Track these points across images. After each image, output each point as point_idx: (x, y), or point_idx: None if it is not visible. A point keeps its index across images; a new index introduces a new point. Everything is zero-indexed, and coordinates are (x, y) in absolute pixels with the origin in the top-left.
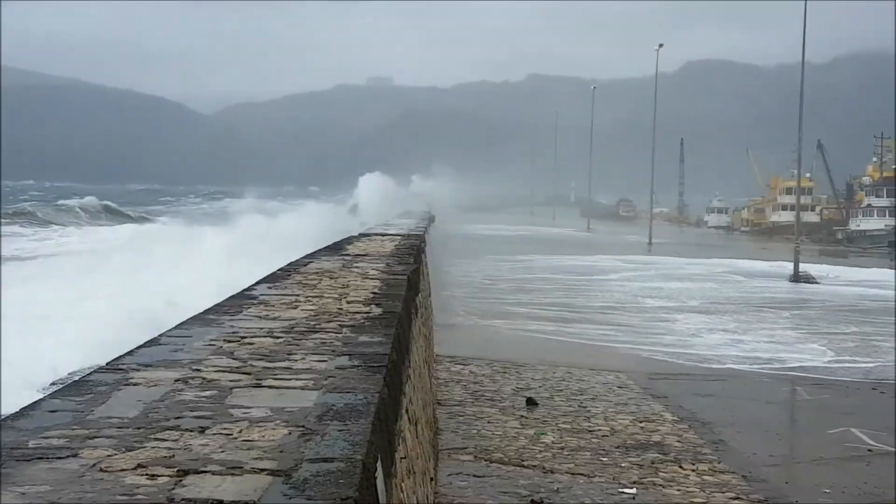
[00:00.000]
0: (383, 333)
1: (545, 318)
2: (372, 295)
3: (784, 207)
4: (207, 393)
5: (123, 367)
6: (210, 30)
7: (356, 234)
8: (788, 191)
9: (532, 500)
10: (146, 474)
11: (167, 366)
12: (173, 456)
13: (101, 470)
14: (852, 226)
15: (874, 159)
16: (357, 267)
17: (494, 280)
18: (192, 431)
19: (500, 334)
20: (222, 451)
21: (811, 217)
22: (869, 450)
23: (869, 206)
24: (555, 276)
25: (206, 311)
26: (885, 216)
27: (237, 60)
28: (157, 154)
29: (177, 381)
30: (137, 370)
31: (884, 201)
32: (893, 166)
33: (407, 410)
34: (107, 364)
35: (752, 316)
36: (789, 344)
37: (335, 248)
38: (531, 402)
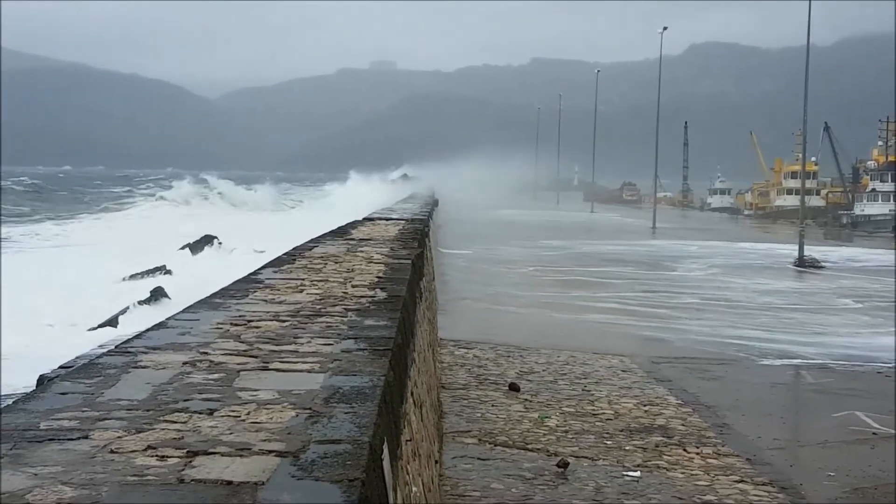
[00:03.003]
0: (388, 317)
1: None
2: (377, 279)
3: (788, 191)
4: (215, 376)
5: (132, 349)
6: (214, 14)
7: (360, 218)
8: (793, 174)
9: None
10: (156, 455)
11: (175, 349)
12: (182, 438)
13: (111, 451)
14: (857, 210)
15: (879, 143)
16: (362, 251)
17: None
18: (200, 413)
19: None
20: (231, 433)
21: (816, 201)
22: (874, 433)
23: (874, 190)
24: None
25: (213, 295)
26: (889, 201)
27: (241, 45)
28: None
29: (185, 363)
30: (146, 353)
31: (888, 186)
32: None
33: (412, 394)
34: (115, 347)
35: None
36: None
37: (340, 233)
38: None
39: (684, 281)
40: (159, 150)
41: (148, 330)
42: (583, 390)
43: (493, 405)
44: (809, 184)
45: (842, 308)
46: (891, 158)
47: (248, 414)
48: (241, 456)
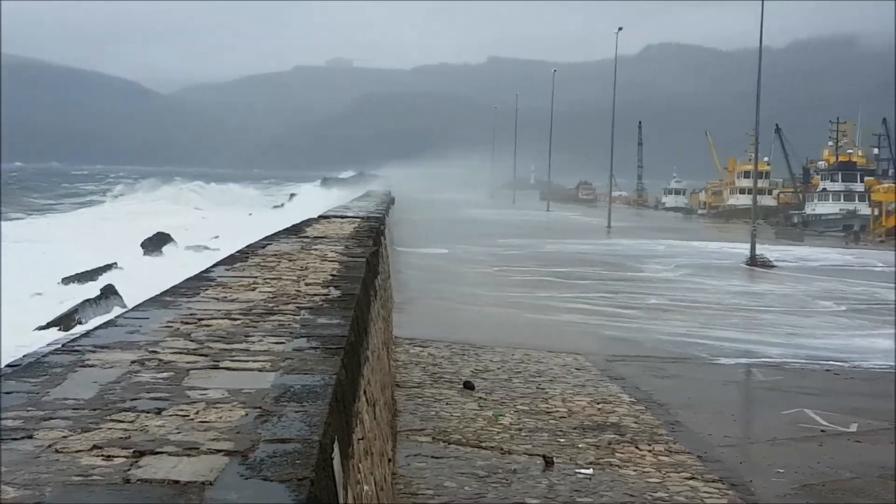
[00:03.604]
0: (342, 315)
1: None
2: (331, 277)
3: (741, 191)
4: (164, 374)
5: (79, 348)
6: (168, 9)
7: (315, 216)
8: (746, 174)
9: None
10: (102, 455)
11: (123, 347)
12: (129, 437)
13: (56, 451)
14: (808, 209)
15: (830, 143)
16: (316, 249)
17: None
18: (148, 413)
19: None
20: (178, 433)
21: (768, 201)
22: (822, 430)
23: (824, 190)
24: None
25: (164, 293)
26: (839, 200)
27: (195, 40)
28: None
29: (133, 362)
30: (93, 351)
31: (838, 185)
32: (849, 151)
33: (365, 392)
34: (62, 345)
35: None
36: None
37: (294, 231)
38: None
39: (639, 280)
40: (116, 146)
41: (96, 328)
42: (537, 388)
43: (447, 403)
44: (762, 184)
45: (801, 306)
46: (841, 159)
47: (197, 413)
48: (188, 455)
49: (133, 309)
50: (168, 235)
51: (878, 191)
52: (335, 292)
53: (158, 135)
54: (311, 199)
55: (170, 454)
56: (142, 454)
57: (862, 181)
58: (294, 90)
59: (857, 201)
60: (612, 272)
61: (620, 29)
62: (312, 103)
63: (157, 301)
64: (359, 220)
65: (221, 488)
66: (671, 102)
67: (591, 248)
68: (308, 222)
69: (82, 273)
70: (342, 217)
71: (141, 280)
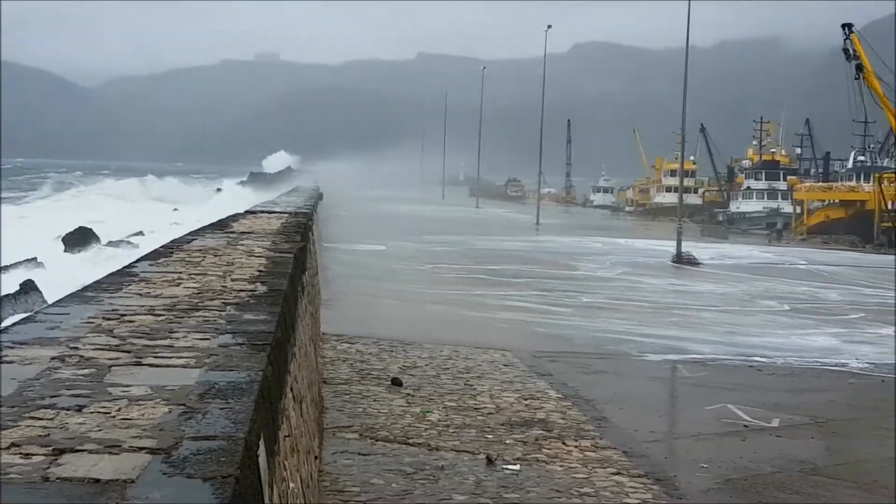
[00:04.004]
0: (268, 311)
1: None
2: (257, 273)
3: (668, 189)
4: (85, 371)
5: None
6: (92, 2)
7: (242, 210)
8: (672, 172)
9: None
10: (20, 453)
11: (43, 343)
12: (49, 435)
13: None
14: (732, 208)
15: (754, 142)
16: (242, 244)
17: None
18: (68, 410)
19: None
20: (100, 430)
21: (694, 199)
22: (745, 425)
23: (748, 188)
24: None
25: (85, 289)
26: (763, 198)
27: (120, 32)
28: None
29: (53, 358)
30: (12, 348)
31: (762, 184)
32: (772, 150)
33: (292, 389)
34: None
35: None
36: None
37: (220, 226)
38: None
39: (568, 278)
40: (37, 140)
41: (15, 324)
42: (465, 385)
43: (374, 400)
44: (688, 182)
45: (725, 303)
46: (765, 158)
47: (119, 410)
48: (110, 453)
49: (53, 304)
50: (90, 230)
51: (800, 189)
52: (262, 288)
53: (82, 129)
54: (235, 196)
55: (90, 452)
56: (62, 452)
57: (785, 180)
58: (221, 84)
59: (780, 200)
60: (541, 269)
61: (550, 27)
62: (240, 97)
63: (79, 297)
64: (286, 215)
65: (144, 486)
66: (600, 101)
67: (520, 246)
68: (234, 217)
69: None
70: (269, 212)
71: (61, 276)
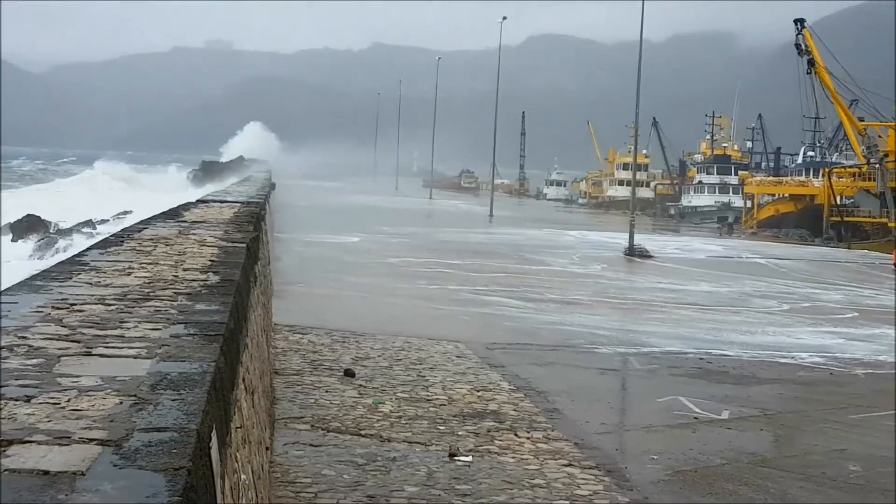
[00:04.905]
0: (221, 302)
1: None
2: (209, 262)
3: (620, 182)
4: (34, 361)
5: None
6: None
7: (193, 200)
8: (625, 166)
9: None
10: None
11: None
12: None
13: None
14: (684, 202)
15: (707, 137)
16: (194, 234)
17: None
18: (17, 400)
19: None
20: (49, 421)
21: (646, 192)
22: (695, 417)
23: (700, 182)
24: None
25: (34, 277)
26: (714, 193)
27: (69, 17)
28: None
29: (1, 348)
30: None
31: (714, 178)
32: (724, 145)
33: (244, 379)
34: None
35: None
36: None
37: (171, 215)
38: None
39: (521, 272)
40: None
41: None
42: (417, 376)
43: (326, 391)
44: (640, 175)
45: (676, 295)
46: (717, 152)
47: (69, 401)
48: (59, 444)
49: (1, 293)
50: (38, 218)
51: (751, 183)
52: (214, 278)
53: (29, 115)
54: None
55: (39, 443)
56: (10, 443)
57: (736, 175)
58: (172, 72)
59: (731, 194)
60: (494, 261)
61: (504, 18)
62: (191, 86)
63: (27, 285)
64: (239, 204)
65: (94, 479)
66: (554, 93)
67: (474, 238)
68: (186, 206)
69: None
70: (221, 202)
71: (8, 265)
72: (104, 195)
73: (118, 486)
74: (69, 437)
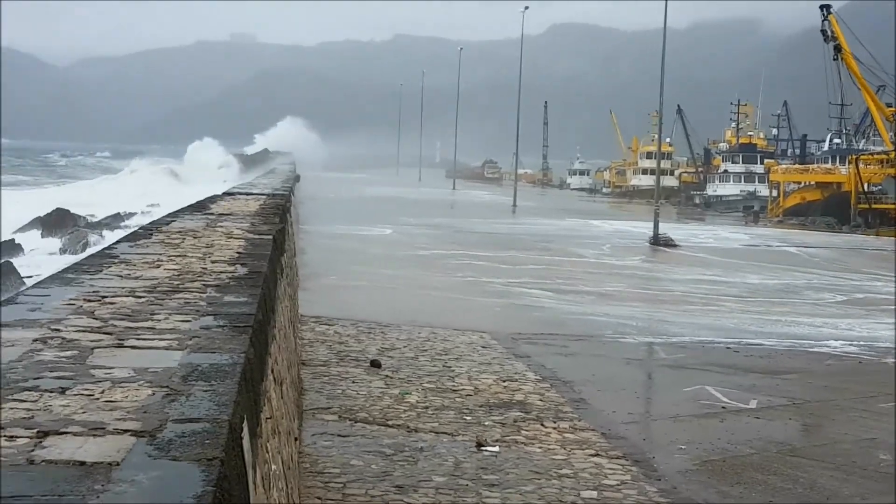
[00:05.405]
0: (249, 293)
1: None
2: (237, 254)
3: (644, 171)
4: (68, 353)
5: None
6: None
7: (220, 192)
8: (649, 155)
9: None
10: (5, 436)
11: (25, 325)
12: (33, 417)
13: None
14: (709, 190)
15: (732, 125)
16: (221, 226)
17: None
18: (52, 392)
19: None
20: (84, 412)
21: (670, 181)
22: (723, 407)
23: (725, 171)
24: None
25: (65, 270)
26: (740, 181)
27: (93, 10)
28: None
29: (35, 340)
30: None
31: (739, 167)
32: (749, 133)
33: (272, 371)
34: None
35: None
36: None
37: (198, 207)
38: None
39: (543, 264)
40: (11, 120)
41: None
42: (443, 366)
43: (353, 382)
44: (664, 164)
45: (697, 284)
46: (742, 141)
47: (103, 392)
48: (94, 436)
49: (34, 286)
50: (68, 212)
51: (776, 171)
52: (242, 270)
53: (56, 109)
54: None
55: (75, 434)
56: (46, 434)
57: (762, 163)
58: (196, 64)
59: (756, 183)
60: (520, 252)
61: (527, 8)
62: (214, 78)
63: (59, 278)
64: (264, 197)
65: (129, 469)
66: (576, 82)
67: (500, 229)
68: (213, 199)
69: None
70: (247, 194)
71: (40, 258)
72: (160, 188)
73: (152, 476)
74: (104, 428)
